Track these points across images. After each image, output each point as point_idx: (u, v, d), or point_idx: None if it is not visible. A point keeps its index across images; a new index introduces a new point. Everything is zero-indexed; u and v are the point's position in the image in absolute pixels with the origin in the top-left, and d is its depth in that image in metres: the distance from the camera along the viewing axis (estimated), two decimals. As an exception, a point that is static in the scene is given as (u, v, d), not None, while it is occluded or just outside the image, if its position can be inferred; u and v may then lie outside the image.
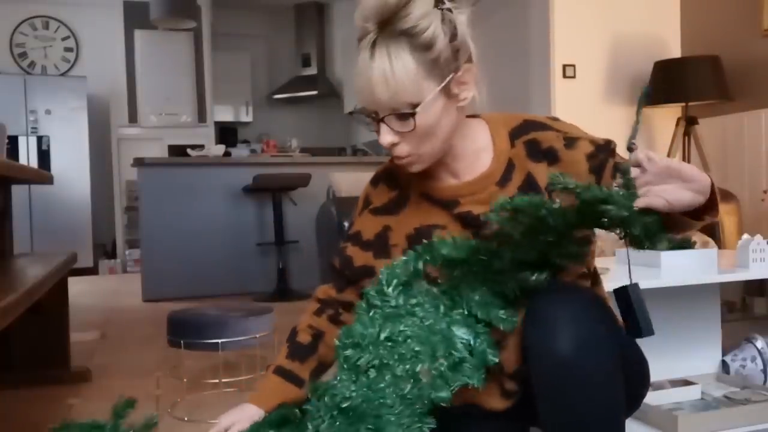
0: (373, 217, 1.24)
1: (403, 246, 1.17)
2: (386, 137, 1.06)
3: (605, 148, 1.14)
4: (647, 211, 0.94)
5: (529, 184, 1.14)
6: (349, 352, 1.04)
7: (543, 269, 1.05)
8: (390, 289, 1.08)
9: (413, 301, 1.07)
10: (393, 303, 1.07)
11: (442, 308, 1.06)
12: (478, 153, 1.17)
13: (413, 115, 1.04)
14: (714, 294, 2.12)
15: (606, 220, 0.96)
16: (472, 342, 1.04)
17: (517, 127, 1.18)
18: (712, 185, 0.99)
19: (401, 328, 1.04)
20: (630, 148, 1.07)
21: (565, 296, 1.04)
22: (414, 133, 1.05)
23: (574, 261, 1.06)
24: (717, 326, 2.13)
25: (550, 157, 1.14)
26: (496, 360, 1.04)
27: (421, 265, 1.09)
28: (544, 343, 0.99)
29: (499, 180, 1.15)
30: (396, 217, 1.21)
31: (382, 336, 1.03)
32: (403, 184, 1.23)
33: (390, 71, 1.01)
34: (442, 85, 1.05)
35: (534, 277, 1.04)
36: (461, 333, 1.04)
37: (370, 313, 1.07)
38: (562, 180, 0.96)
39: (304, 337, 1.23)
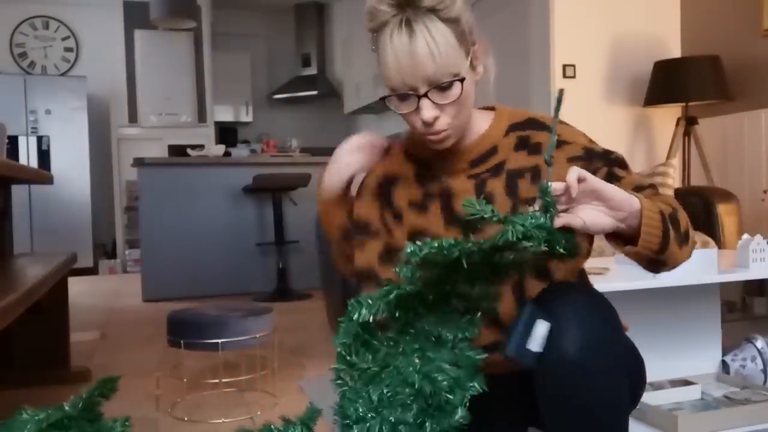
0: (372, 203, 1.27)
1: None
2: (430, 112, 1.08)
3: (600, 155, 1.15)
4: (565, 227, 0.94)
5: (496, 168, 1.17)
6: (355, 429, 1.03)
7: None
8: (354, 357, 1.05)
9: (380, 355, 1.06)
10: (364, 366, 1.05)
11: (405, 348, 1.05)
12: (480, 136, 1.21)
13: (460, 83, 1.07)
14: (714, 294, 2.12)
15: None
16: (452, 355, 1.04)
17: (520, 122, 1.21)
18: (641, 213, 0.98)
19: (387, 381, 1.04)
20: (548, 163, 1.03)
21: (570, 296, 1.04)
22: (452, 104, 1.09)
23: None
24: (717, 326, 2.13)
25: (532, 150, 1.18)
26: (483, 356, 1.04)
27: (359, 329, 1.06)
28: (550, 343, 0.99)
29: (475, 159, 1.19)
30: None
31: (374, 398, 1.03)
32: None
33: (434, 45, 1.04)
34: (470, 56, 1.10)
35: (474, 291, 1.04)
36: (439, 355, 1.04)
37: (350, 385, 1.05)
38: (477, 207, 0.94)
39: None
